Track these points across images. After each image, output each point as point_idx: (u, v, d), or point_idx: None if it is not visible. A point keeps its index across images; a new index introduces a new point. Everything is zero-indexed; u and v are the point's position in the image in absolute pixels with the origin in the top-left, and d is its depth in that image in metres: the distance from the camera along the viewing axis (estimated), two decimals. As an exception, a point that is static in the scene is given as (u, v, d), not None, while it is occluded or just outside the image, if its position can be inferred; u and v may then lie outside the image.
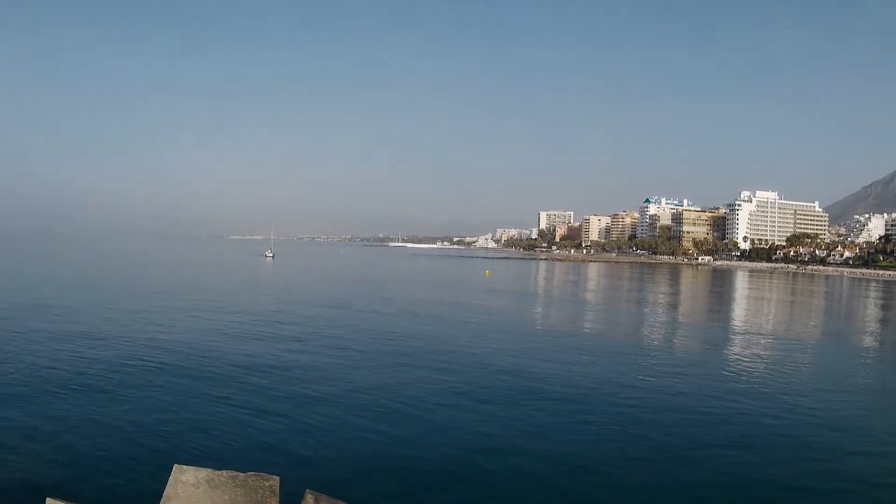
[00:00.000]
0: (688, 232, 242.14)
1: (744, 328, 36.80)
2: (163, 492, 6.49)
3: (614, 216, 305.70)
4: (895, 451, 13.60)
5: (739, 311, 49.53)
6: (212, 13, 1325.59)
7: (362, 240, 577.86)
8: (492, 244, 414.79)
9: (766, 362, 24.26)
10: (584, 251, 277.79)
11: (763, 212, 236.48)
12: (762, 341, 30.39)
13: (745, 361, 24.27)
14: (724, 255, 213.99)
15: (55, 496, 6.83)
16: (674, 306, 51.38)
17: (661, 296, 63.10)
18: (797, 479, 11.68)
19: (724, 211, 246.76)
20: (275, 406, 15.60)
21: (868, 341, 34.14)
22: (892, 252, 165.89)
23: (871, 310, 55.83)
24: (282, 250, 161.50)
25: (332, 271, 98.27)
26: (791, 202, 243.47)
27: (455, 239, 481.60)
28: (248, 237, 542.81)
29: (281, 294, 49.73)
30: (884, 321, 47.07)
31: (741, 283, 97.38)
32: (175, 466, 6.68)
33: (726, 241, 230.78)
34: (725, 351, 27.19)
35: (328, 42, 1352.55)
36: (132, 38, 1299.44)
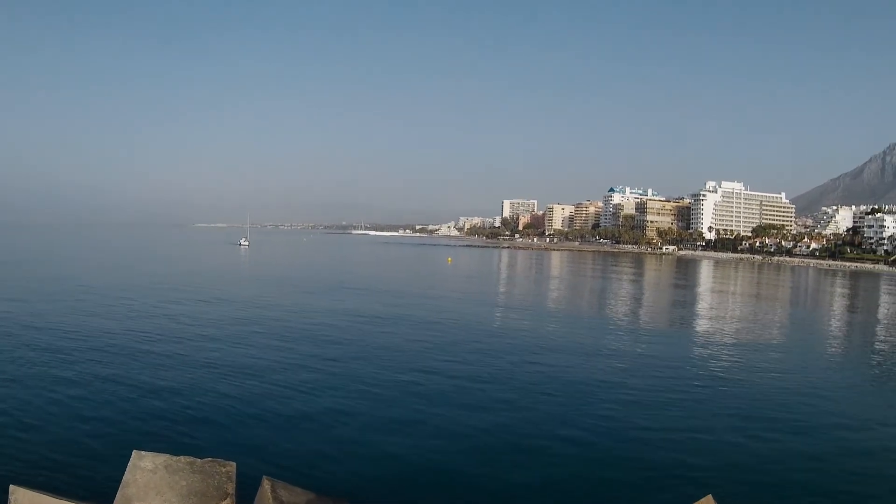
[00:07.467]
0: (652, 221, 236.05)
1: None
2: (122, 477, 6.59)
3: (578, 205, 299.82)
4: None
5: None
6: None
7: (325, 227, 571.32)
8: (454, 232, 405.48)
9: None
10: (547, 240, 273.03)
11: (728, 202, 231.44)
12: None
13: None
14: (689, 245, 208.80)
15: (18, 483, 6.78)
16: (640, 298, 51.95)
17: (626, 285, 64.31)
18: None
19: (689, 201, 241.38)
20: (233, 394, 16.05)
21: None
22: (859, 244, 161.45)
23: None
24: (251, 239, 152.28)
25: (306, 260, 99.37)
26: (757, 193, 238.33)
27: (418, 227, 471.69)
28: (213, 225, 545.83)
29: (258, 285, 50.60)
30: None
31: (707, 272, 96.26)
32: (134, 452, 6.77)
33: (691, 230, 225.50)
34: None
35: (298, 32, 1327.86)
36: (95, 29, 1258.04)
